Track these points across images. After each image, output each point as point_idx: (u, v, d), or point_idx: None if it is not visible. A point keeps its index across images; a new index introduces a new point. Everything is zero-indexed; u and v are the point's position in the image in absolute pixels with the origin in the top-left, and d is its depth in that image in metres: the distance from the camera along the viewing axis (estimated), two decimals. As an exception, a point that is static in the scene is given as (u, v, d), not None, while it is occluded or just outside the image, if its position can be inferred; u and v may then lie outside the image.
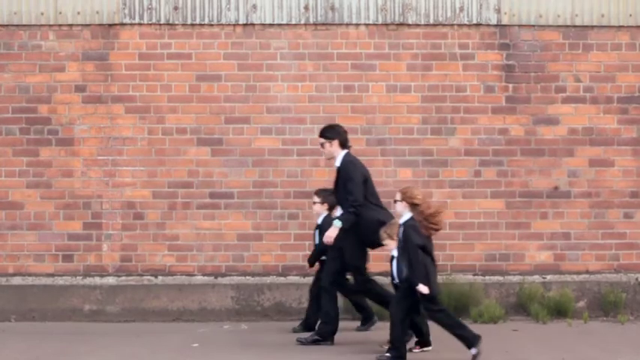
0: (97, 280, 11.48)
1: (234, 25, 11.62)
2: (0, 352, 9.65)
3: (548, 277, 11.58)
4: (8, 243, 11.51)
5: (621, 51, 11.72)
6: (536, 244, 11.64)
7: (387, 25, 11.65)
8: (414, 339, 9.61)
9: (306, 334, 10.05)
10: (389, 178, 11.56)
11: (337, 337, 9.92)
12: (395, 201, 9.32)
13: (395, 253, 9.33)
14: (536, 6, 11.69)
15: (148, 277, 11.50)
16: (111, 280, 11.48)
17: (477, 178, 11.64)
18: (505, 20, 11.68)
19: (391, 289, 9.83)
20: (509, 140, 11.67)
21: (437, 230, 9.16)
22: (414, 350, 9.51)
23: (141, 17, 11.58)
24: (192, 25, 11.60)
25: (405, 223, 9.16)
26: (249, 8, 11.60)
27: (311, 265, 10.57)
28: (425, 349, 9.59)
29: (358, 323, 10.66)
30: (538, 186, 11.67)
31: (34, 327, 11.02)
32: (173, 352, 9.68)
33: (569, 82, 11.71)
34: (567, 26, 11.71)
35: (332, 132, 10.07)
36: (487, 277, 11.57)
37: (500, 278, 11.57)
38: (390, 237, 9.36)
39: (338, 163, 10.00)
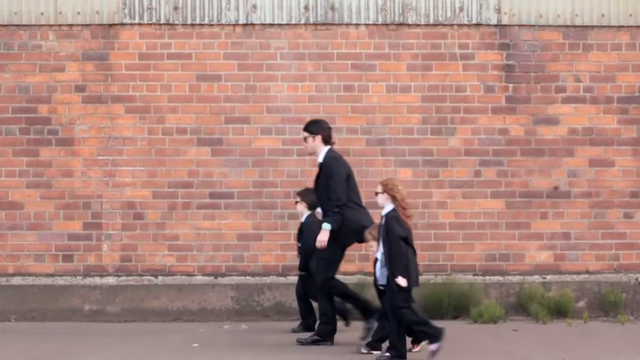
0: (97, 280, 11.48)
1: (234, 25, 11.62)
2: (0, 352, 9.65)
3: (548, 277, 11.58)
4: (8, 243, 11.51)
5: (621, 51, 11.73)
6: (536, 244, 11.65)
7: (387, 25, 11.65)
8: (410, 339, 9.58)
9: (306, 335, 10.05)
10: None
11: (337, 337, 9.90)
12: (376, 193, 9.30)
13: (379, 255, 9.30)
14: (536, 6, 11.69)
15: (148, 277, 11.50)
16: (111, 280, 11.49)
17: (477, 178, 11.64)
18: (505, 20, 11.68)
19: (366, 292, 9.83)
20: (509, 140, 11.67)
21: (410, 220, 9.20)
22: (414, 350, 9.48)
23: (141, 17, 11.58)
24: (192, 25, 11.61)
25: (388, 215, 9.15)
26: (249, 8, 11.61)
27: (302, 269, 10.55)
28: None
29: (360, 323, 10.62)
30: (538, 186, 11.67)
31: (34, 327, 11.02)
32: (173, 352, 9.67)
33: (569, 82, 11.71)
34: (567, 26, 11.71)
35: (316, 126, 9.98)
36: (487, 277, 11.57)
37: (500, 278, 11.58)
38: (375, 239, 9.34)
39: (320, 158, 9.90)
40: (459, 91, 11.65)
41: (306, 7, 11.61)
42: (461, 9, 11.65)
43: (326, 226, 9.66)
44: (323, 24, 11.63)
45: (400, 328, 9.10)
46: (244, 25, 11.62)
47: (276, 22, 11.61)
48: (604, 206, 11.68)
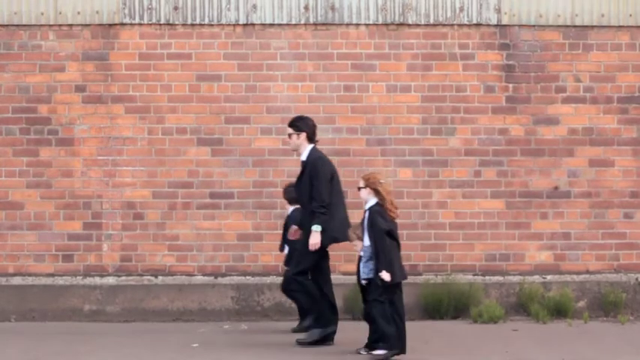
0: (97, 280, 11.48)
1: (234, 25, 11.62)
2: (0, 352, 9.65)
3: (549, 277, 11.58)
4: (8, 243, 11.51)
5: (621, 51, 11.73)
6: (536, 244, 11.65)
7: (387, 25, 11.65)
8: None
9: (306, 335, 10.04)
10: (389, 178, 11.50)
11: (337, 337, 9.90)
12: (359, 188, 9.31)
13: (362, 253, 9.30)
14: (536, 6, 11.69)
15: (148, 277, 11.50)
16: (111, 280, 11.49)
17: (477, 178, 11.64)
18: (505, 20, 11.68)
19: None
20: (509, 140, 11.67)
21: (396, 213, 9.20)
22: (362, 352, 9.45)
23: (141, 17, 11.58)
24: (192, 25, 11.61)
25: (371, 209, 9.17)
26: (249, 8, 11.60)
27: (287, 264, 10.55)
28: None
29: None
30: (538, 186, 11.67)
31: (34, 327, 11.02)
32: (173, 352, 9.67)
33: (569, 82, 11.71)
34: (567, 26, 11.71)
35: (302, 123, 9.93)
36: (487, 277, 11.57)
37: (500, 278, 11.58)
38: (360, 238, 9.34)
39: (304, 157, 9.87)
40: (459, 91, 11.65)
41: (306, 7, 11.61)
42: (461, 9, 11.65)
43: (316, 229, 9.64)
44: (323, 24, 11.63)
45: (388, 324, 9.07)
46: (244, 25, 11.62)
47: (276, 22, 11.61)
48: (604, 206, 11.68)
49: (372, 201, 9.20)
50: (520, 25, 11.70)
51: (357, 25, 11.64)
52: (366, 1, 11.61)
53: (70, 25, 11.58)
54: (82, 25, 11.57)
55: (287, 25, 11.62)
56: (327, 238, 9.72)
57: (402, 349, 9.16)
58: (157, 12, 11.58)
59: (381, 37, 11.65)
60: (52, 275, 11.49)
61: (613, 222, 11.68)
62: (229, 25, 11.62)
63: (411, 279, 11.34)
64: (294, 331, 10.45)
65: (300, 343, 9.82)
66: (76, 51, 11.58)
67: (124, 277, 11.50)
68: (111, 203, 11.54)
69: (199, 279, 11.51)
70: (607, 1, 11.72)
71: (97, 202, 11.53)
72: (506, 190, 11.66)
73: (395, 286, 9.12)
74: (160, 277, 11.51)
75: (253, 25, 11.62)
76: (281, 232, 10.93)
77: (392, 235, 9.09)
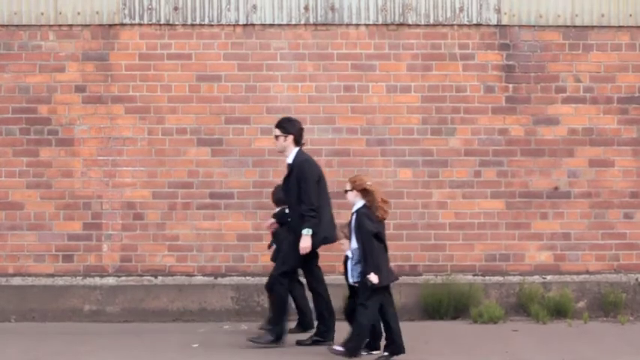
0: (97, 281, 11.48)
1: (234, 25, 11.62)
2: (0, 352, 9.65)
3: (548, 278, 11.58)
4: (8, 243, 11.51)
5: (621, 51, 11.73)
6: (536, 245, 11.64)
7: (387, 25, 11.65)
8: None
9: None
10: (389, 178, 11.56)
11: (336, 337, 9.89)
12: (345, 191, 9.33)
13: (349, 253, 9.31)
14: (536, 6, 11.69)
15: (148, 278, 11.50)
16: (111, 281, 11.49)
17: (477, 178, 11.64)
18: (505, 20, 11.68)
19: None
20: (509, 140, 11.67)
21: (386, 212, 9.21)
22: (362, 353, 9.44)
23: (141, 17, 11.58)
24: (192, 25, 11.61)
25: (358, 211, 9.18)
26: (249, 8, 11.61)
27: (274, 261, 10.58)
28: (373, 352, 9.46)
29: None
30: (538, 186, 11.67)
31: (34, 327, 11.02)
32: (173, 352, 9.68)
33: (569, 83, 11.71)
34: (567, 26, 11.71)
35: (290, 126, 9.95)
36: (487, 278, 11.57)
37: (500, 278, 11.57)
38: (347, 236, 9.35)
39: (290, 160, 9.89)
40: (459, 92, 11.65)
41: (306, 8, 11.61)
42: (461, 9, 11.65)
43: (307, 232, 9.67)
44: (323, 24, 11.63)
45: (364, 328, 9.10)
46: (244, 25, 11.62)
47: (276, 22, 11.61)
48: (604, 206, 11.68)
49: (359, 203, 9.22)
50: (520, 26, 11.70)
51: (357, 25, 11.64)
52: (366, 1, 11.61)
53: (70, 26, 11.58)
54: (82, 25, 11.58)
55: (287, 25, 11.62)
56: (318, 240, 9.77)
57: (400, 349, 9.16)
58: (157, 12, 11.58)
59: (381, 37, 11.65)
60: (52, 275, 11.49)
61: (613, 222, 11.68)
62: (229, 25, 11.62)
63: (410, 279, 11.41)
64: (291, 331, 10.46)
65: (300, 344, 9.83)
66: (76, 51, 11.58)
67: (123, 278, 11.50)
68: (111, 203, 11.54)
69: (199, 279, 11.51)
70: (607, 1, 11.72)
71: (97, 202, 11.53)
72: (506, 191, 11.66)
73: (383, 289, 9.13)
74: (160, 278, 11.51)
75: (253, 25, 11.62)
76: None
77: (379, 237, 9.11)
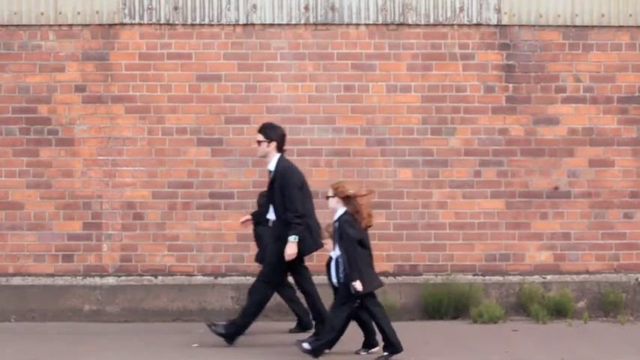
0: (97, 280, 11.48)
1: (234, 25, 11.62)
2: (0, 352, 9.65)
3: (548, 277, 11.58)
4: (8, 243, 11.51)
5: (621, 51, 11.73)
6: (536, 244, 11.65)
7: (387, 25, 11.65)
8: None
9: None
10: (389, 178, 11.57)
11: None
12: (327, 197, 9.34)
13: (334, 254, 9.31)
14: (536, 6, 11.69)
15: (148, 277, 11.50)
16: (111, 280, 11.49)
17: (476, 178, 11.64)
18: (505, 20, 11.68)
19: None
20: (509, 140, 11.67)
21: (370, 221, 9.20)
22: (362, 352, 9.48)
23: (141, 17, 11.58)
24: (192, 25, 11.61)
25: (340, 218, 9.20)
26: (249, 8, 11.60)
27: (259, 261, 10.59)
28: (372, 350, 9.50)
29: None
30: (538, 186, 11.67)
31: (34, 327, 11.02)
32: (173, 352, 9.68)
33: (569, 82, 11.71)
34: (567, 26, 11.71)
35: (273, 132, 9.94)
36: (487, 277, 11.57)
37: (500, 278, 11.57)
38: (331, 236, 9.36)
39: (272, 166, 9.89)
40: (459, 91, 11.65)
41: (306, 7, 11.61)
42: (461, 9, 11.65)
43: (293, 239, 9.69)
44: (323, 24, 11.63)
45: (334, 329, 9.13)
46: (244, 25, 11.62)
47: (276, 22, 11.61)
48: (604, 206, 11.68)
49: (341, 210, 9.24)
50: (520, 25, 11.70)
51: (357, 25, 11.64)
52: (366, 1, 11.61)
53: (70, 25, 11.58)
54: (82, 25, 11.57)
55: (287, 25, 11.62)
56: (306, 247, 9.81)
57: (398, 348, 9.17)
58: (157, 12, 11.58)
59: (381, 37, 11.65)
60: (52, 275, 11.49)
61: (613, 222, 11.68)
62: (229, 25, 11.62)
63: (410, 279, 11.42)
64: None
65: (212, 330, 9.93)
66: (76, 51, 11.58)
67: (123, 278, 11.50)
68: (111, 203, 11.54)
69: (199, 279, 11.51)
70: (607, 1, 11.72)
71: (97, 202, 11.53)
72: (506, 190, 11.66)
73: (369, 294, 9.15)
74: (160, 277, 11.51)
75: (253, 25, 11.62)
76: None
77: (363, 244, 9.11)
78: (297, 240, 9.69)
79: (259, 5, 11.60)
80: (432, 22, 11.64)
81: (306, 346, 9.19)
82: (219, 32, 11.62)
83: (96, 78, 11.57)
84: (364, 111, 11.62)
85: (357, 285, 8.99)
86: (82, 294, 11.44)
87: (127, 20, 11.57)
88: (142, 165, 11.56)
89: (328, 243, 9.46)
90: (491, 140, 11.66)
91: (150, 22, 11.58)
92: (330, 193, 9.31)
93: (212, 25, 11.61)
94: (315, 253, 10.21)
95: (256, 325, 10.90)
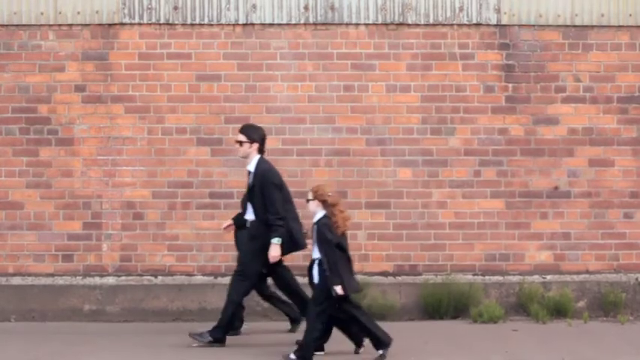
0: (97, 280, 11.48)
1: (234, 25, 11.62)
2: (0, 352, 9.65)
3: (548, 277, 11.58)
4: (8, 243, 11.51)
5: (621, 51, 11.72)
6: (536, 244, 11.64)
7: (386, 25, 11.65)
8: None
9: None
10: (389, 178, 11.57)
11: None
12: (307, 200, 9.36)
13: (315, 255, 9.32)
14: (536, 6, 11.68)
15: (148, 277, 11.50)
16: (111, 280, 11.49)
17: (476, 178, 11.64)
18: (505, 20, 11.67)
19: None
20: (509, 140, 11.67)
21: (345, 227, 9.21)
22: (359, 351, 9.48)
23: (141, 17, 11.58)
24: (192, 25, 11.60)
25: (319, 222, 9.22)
26: (249, 8, 11.60)
27: None
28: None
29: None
30: (538, 186, 11.67)
31: (34, 327, 11.02)
32: (173, 352, 9.68)
33: (569, 82, 11.71)
34: (567, 26, 11.71)
35: (255, 134, 9.97)
36: (487, 277, 11.57)
37: (500, 278, 11.57)
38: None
39: (252, 167, 9.92)
40: (459, 91, 11.65)
41: (306, 7, 11.61)
42: (461, 9, 11.64)
43: (276, 241, 9.74)
44: (323, 24, 11.63)
45: (313, 330, 9.15)
46: (244, 25, 11.62)
47: (275, 22, 11.61)
48: (604, 206, 11.68)
49: (320, 214, 9.26)
50: (520, 25, 11.70)
51: (357, 24, 11.64)
52: (366, 0, 11.61)
53: (70, 25, 11.58)
54: (81, 25, 11.57)
55: (287, 25, 11.62)
56: (287, 248, 9.87)
57: (387, 340, 9.17)
58: (157, 12, 11.58)
59: (381, 37, 11.65)
60: (51, 275, 11.49)
61: (613, 222, 11.68)
62: (229, 25, 11.62)
63: (410, 279, 11.42)
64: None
65: (193, 336, 9.92)
66: (75, 51, 11.58)
67: (123, 277, 11.50)
68: (111, 203, 11.54)
69: (199, 279, 11.51)
70: (607, 1, 11.72)
71: (97, 202, 11.53)
72: (506, 190, 11.66)
73: (346, 298, 9.16)
74: (160, 277, 11.51)
75: (253, 25, 11.62)
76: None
77: (341, 247, 9.12)
78: (280, 242, 9.73)
79: (259, 5, 11.60)
80: (431, 21, 11.64)
81: (292, 357, 9.19)
82: (219, 32, 11.62)
83: (96, 78, 11.57)
84: (364, 111, 11.62)
85: (338, 289, 9.02)
86: (81, 294, 11.44)
87: (126, 20, 11.57)
88: (141, 165, 11.56)
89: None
90: (490, 140, 11.66)
91: (149, 22, 11.58)
92: (310, 196, 9.33)
93: (212, 25, 11.61)
94: (300, 253, 10.21)
95: (256, 325, 10.92)
